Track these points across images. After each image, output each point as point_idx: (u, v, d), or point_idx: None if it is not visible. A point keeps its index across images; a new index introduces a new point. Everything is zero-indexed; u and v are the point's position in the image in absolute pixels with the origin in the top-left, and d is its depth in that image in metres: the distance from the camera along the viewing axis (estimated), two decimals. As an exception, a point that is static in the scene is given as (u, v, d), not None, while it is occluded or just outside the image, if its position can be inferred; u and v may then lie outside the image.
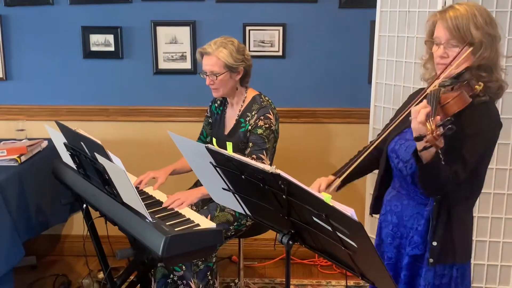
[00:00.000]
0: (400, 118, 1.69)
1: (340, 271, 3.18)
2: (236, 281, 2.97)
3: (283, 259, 3.30)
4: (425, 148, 1.42)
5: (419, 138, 1.42)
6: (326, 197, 1.25)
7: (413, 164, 1.63)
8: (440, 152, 1.42)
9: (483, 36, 1.57)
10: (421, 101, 1.58)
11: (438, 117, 1.43)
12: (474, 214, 2.06)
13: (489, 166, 2.37)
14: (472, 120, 1.55)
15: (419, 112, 1.44)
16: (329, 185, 1.77)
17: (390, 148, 1.75)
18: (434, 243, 1.63)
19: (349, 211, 1.21)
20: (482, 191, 2.40)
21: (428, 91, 1.61)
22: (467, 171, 1.55)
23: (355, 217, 1.22)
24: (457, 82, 1.58)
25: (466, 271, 1.70)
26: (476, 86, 1.56)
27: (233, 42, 2.40)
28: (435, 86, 1.60)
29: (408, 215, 1.71)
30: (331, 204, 1.25)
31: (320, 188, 1.76)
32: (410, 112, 1.56)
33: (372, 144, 1.72)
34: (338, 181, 1.75)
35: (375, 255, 1.26)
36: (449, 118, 1.41)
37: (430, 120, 1.41)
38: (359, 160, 1.70)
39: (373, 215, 1.93)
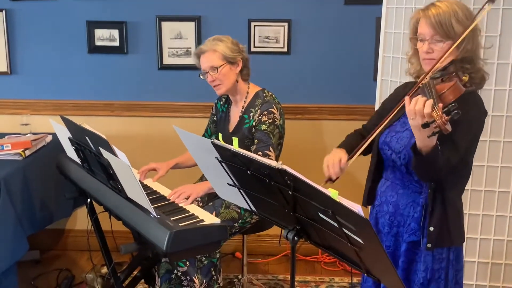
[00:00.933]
0: (394, 112, 1.74)
1: (343, 268, 3.17)
2: (240, 277, 2.97)
3: (287, 255, 3.32)
4: (433, 134, 1.46)
5: (426, 125, 1.46)
6: (332, 193, 1.25)
7: (405, 155, 1.70)
8: (437, 142, 1.47)
9: (464, 30, 1.63)
10: (415, 94, 1.62)
11: (441, 104, 1.48)
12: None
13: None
14: (462, 108, 1.59)
15: (424, 104, 1.48)
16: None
17: (382, 141, 1.81)
18: (431, 229, 1.68)
19: (356, 208, 1.21)
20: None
21: (420, 84, 1.66)
22: (458, 157, 1.62)
23: (362, 213, 1.22)
24: (446, 74, 1.66)
25: (460, 253, 1.77)
26: (463, 77, 1.64)
27: (227, 36, 2.44)
28: (426, 79, 1.66)
29: (404, 203, 1.76)
30: (338, 201, 1.24)
31: (341, 162, 1.77)
32: (403, 105, 1.61)
33: (376, 130, 1.76)
34: (350, 162, 1.79)
35: (382, 252, 1.26)
36: (452, 103, 1.45)
37: (435, 107, 1.46)
38: (368, 141, 1.76)
39: (367, 206, 1.96)
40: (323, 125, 3.20)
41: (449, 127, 1.44)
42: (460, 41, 1.63)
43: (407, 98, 1.54)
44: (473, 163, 1.81)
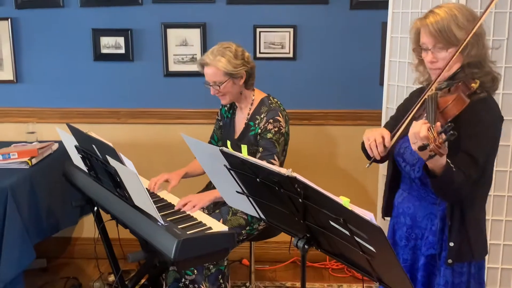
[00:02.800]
0: (405, 123, 1.66)
1: (351, 274, 3.15)
2: (247, 284, 2.95)
3: (294, 262, 3.30)
4: (430, 157, 1.41)
5: (423, 148, 1.41)
6: (344, 201, 1.23)
7: (420, 168, 1.64)
8: (448, 160, 1.41)
9: (467, 34, 1.57)
10: (421, 107, 1.58)
11: (438, 124, 1.43)
12: (487, 217, 2.06)
13: (503, 169, 2.36)
14: (473, 118, 1.56)
15: (420, 128, 1.42)
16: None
17: (396, 152, 1.75)
18: (451, 244, 1.63)
19: (368, 216, 1.19)
20: (496, 194, 2.40)
21: (426, 96, 1.61)
22: (479, 170, 1.56)
23: (374, 221, 1.20)
24: (453, 83, 1.61)
25: (482, 266, 1.71)
26: (473, 84, 1.58)
27: (230, 48, 2.37)
28: (432, 90, 1.62)
29: (421, 215, 1.71)
30: (349, 209, 1.23)
31: (385, 141, 1.63)
32: (414, 116, 1.58)
33: (402, 124, 1.67)
34: (393, 140, 1.66)
35: (395, 260, 1.24)
36: (449, 123, 1.40)
37: (431, 128, 1.41)
38: (404, 125, 1.64)
39: (385, 218, 1.91)
40: (329, 130, 3.18)
41: (444, 150, 1.39)
42: (463, 47, 1.58)
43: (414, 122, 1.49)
44: (496, 168, 1.75)
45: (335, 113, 3.15)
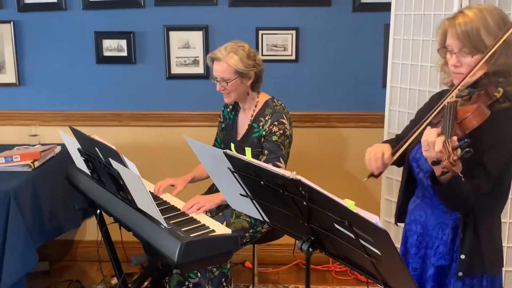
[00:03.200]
0: (421, 128, 1.60)
1: (354, 277, 3.14)
2: (250, 287, 2.94)
3: (297, 265, 3.29)
4: (443, 173, 1.36)
5: (437, 162, 1.35)
6: (349, 203, 1.23)
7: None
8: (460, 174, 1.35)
9: (497, 42, 1.48)
10: (439, 114, 1.51)
11: (455, 138, 1.36)
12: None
13: None
14: (493, 128, 1.48)
15: (435, 142, 1.37)
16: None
17: (412, 157, 1.70)
18: (462, 256, 1.57)
19: (374, 219, 1.19)
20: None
21: (445, 102, 1.54)
22: (490, 183, 1.49)
23: (380, 224, 1.19)
24: (475, 91, 1.52)
25: (496, 280, 1.64)
26: (495, 93, 1.49)
27: (244, 47, 2.37)
28: (452, 97, 1.54)
29: (433, 224, 1.66)
30: (355, 211, 1.22)
31: (384, 157, 1.63)
32: (430, 122, 1.51)
33: (413, 134, 1.64)
34: (393, 159, 1.66)
35: (400, 263, 1.23)
36: (466, 140, 1.33)
37: (447, 142, 1.34)
38: (419, 130, 1.60)
39: (398, 224, 1.86)
40: (332, 132, 3.18)
41: (457, 168, 1.32)
42: (491, 54, 1.48)
43: (428, 128, 1.45)
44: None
45: (338, 115, 3.15)
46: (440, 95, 1.73)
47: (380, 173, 1.67)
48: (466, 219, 1.57)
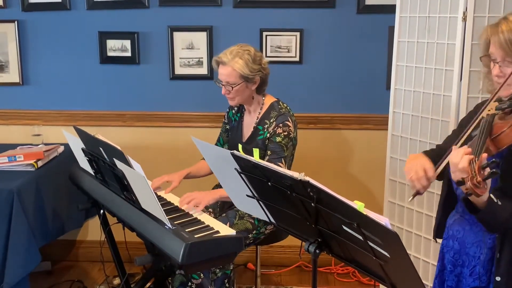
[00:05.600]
0: (461, 141, 1.51)
1: (357, 279, 3.13)
2: (253, 288, 2.94)
3: (299, 266, 3.29)
4: (467, 195, 1.28)
5: (461, 183, 1.27)
6: (359, 205, 1.22)
7: None
8: (492, 195, 1.27)
9: None
10: (476, 126, 1.44)
11: (485, 155, 1.28)
12: None
13: None
14: None
15: (462, 158, 1.30)
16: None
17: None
18: (498, 278, 1.50)
19: (383, 221, 1.18)
20: None
21: (484, 114, 1.47)
22: None
23: (389, 226, 1.19)
24: None
25: None
26: None
27: (250, 51, 2.36)
28: (490, 109, 1.46)
29: (471, 242, 1.59)
30: (364, 213, 1.22)
31: (428, 175, 1.52)
32: (470, 134, 1.42)
33: (465, 133, 1.53)
34: (437, 172, 1.54)
35: (410, 265, 1.23)
36: (493, 160, 1.25)
37: (474, 161, 1.26)
38: (460, 143, 1.50)
39: (437, 239, 1.79)
40: (335, 134, 3.18)
41: (481, 190, 1.23)
42: None
43: (454, 147, 1.38)
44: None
45: (341, 117, 3.15)
46: (483, 104, 1.61)
47: (425, 190, 1.56)
48: (504, 239, 1.50)
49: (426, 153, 1.68)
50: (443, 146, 1.73)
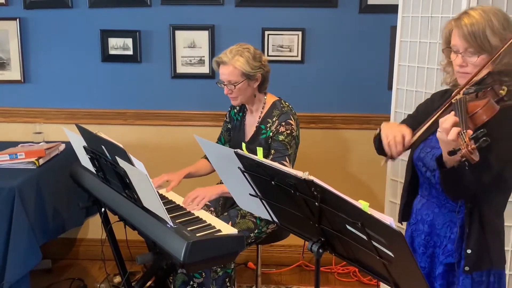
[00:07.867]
0: (427, 125, 1.65)
1: (357, 279, 3.14)
2: (253, 287, 2.94)
3: (300, 266, 3.29)
4: (460, 162, 1.39)
5: (453, 153, 1.37)
6: (363, 205, 1.22)
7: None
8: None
9: (502, 42, 1.53)
10: (446, 111, 1.54)
11: (470, 131, 1.40)
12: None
13: None
14: (498, 125, 1.52)
15: (450, 130, 1.40)
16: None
17: (416, 156, 1.72)
18: (469, 251, 1.59)
19: (388, 220, 1.18)
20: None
21: (453, 100, 1.58)
22: (491, 176, 1.51)
23: (394, 226, 1.19)
24: (481, 88, 1.57)
25: (502, 276, 1.67)
26: (501, 91, 1.54)
27: (249, 49, 2.36)
28: (459, 94, 1.58)
29: (441, 223, 1.68)
30: (369, 213, 1.22)
31: (405, 140, 1.63)
32: (436, 120, 1.52)
33: (423, 126, 1.67)
34: (413, 139, 1.65)
35: (414, 265, 1.23)
36: (481, 129, 1.37)
37: (462, 133, 1.38)
38: (425, 126, 1.65)
39: (402, 223, 1.88)
40: (336, 134, 3.18)
41: (476, 157, 1.35)
42: (497, 55, 1.53)
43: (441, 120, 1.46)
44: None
45: (342, 116, 3.15)
46: (443, 94, 1.77)
47: (398, 156, 1.66)
48: (472, 215, 1.59)
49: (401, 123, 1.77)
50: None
